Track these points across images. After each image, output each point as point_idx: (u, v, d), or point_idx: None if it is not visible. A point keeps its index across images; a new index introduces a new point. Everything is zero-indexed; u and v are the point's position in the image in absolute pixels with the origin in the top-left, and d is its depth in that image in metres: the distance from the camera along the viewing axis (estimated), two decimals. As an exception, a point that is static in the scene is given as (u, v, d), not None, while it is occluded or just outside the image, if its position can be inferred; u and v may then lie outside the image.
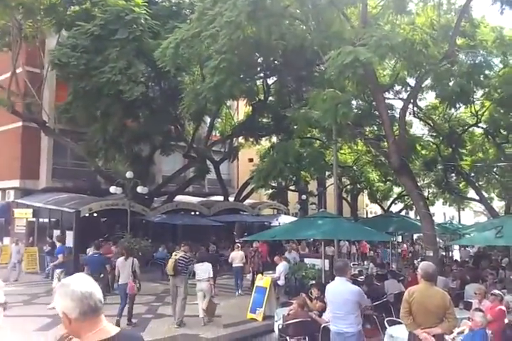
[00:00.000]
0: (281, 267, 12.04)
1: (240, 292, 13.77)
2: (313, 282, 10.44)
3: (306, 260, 12.95)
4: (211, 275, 10.12)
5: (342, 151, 26.16)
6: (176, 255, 9.99)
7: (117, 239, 17.63)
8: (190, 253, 10.86)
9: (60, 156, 22.80)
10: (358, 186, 30.50)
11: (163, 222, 20.27)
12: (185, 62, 15.15)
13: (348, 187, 31.37)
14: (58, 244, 12.73)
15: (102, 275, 9.79)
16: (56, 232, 20.04)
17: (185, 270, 9.92)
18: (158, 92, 17.98)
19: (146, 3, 14.67)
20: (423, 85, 18.19)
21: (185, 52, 11.02)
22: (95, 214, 20.73)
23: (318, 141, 21.09)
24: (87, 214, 19.63)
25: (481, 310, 6.39)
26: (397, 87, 18.41)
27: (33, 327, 9.48)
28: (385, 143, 13.12)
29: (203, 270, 9.99)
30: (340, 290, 5.31)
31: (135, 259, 10.05)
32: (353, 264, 16.37)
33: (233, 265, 14.53)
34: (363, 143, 21.32)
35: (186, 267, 9.92)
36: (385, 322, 7.31)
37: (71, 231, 19.25)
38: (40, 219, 21.46)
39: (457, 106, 11.53)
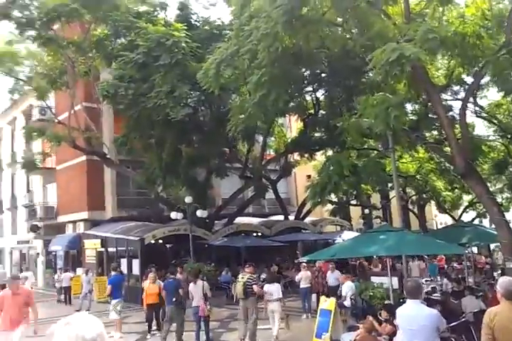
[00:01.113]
0: (347, 287, 11.32)
1: (308, 315, 13.22)
2: (386, 303, 9.67)
3: (373, 278, 12.08)
4: (281, 296, 10.20)
5: (403, 160, 24.93)
6: (242, 277, 10.14)
7: (182, 264, 17.64)
8: (255, 274, 10.85)
9: (123, 186, 23.54)
10: (424, 196, 28.80)
11: (225, 245, 20.08)
12: (233, 81, 15.22)
13: (414, 197, 29.72)
14: (113, 273, 12.79)
15: (174, 299, 10.22)
16: (123, 261, 20.55)
17: (254, 291, 9.97)
18: (209, 115, 18.11)
19: (185, 28, 14.93)
20: (482, 82, 16.98)
21: (231, 73, 10.95)
22: (160, 241, 20.99)
23: (375, 152, 20.19)
24: (152, 241, 19.92)
25: None
26: (455, 88, 17.32)
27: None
28: (448, 148, 12.16)
29: (273, 290, 10.12)
30: (416, 316, 4.62)
31: (205, 282, 10.40)
32: (426, 280, 15.13)
33: (300, 286, 14.12)
34: (424, 150, 20.12)
35: (253, 289, 9.97)
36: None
37: (137, 259, 19.63)
38: (109, 249, 22.07)
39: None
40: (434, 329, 4.57)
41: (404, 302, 7.05)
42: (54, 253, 26.14)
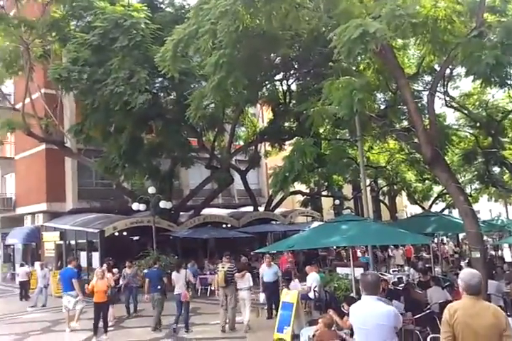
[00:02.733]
0: (311, 278, 10.97)
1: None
2: (349, 295, 9.34)
3: (339, 269, 11.75)
4: (251, 284, 10.77)
5: (373, 151, 24.82)
6: (223, 267, 10.80)
7: (143, 257, 17.02)
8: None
9: (85, 177, 22.62)
10: (395, 187, 28.89)
11: (190, 236, 19.48)
12: (199, 67, 14.46)
13: (385, 188, 29.78)
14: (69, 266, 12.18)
15: (159, 287, 10.95)
16: (83, 254, 19.75)
17: (233, 280, 10.63)
18: (173, 103, 17.35)
19: (146, 8, 14.09)
20: (455, 73, 16.76)
21: (200, 59, 10.24)
22: (125, 233, 20.27)
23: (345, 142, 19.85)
24: (116, 234, 19.20)
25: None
26: (427, 78, 17.09)
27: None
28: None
29: (244, 279, 10.66)
30: (371, 314, 4.13)
31: (187, 270, 11.21)
32: (393, 271, 14.99)
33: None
34: (394, 141, 19.94)
35: (233, 277, 10.65)
36: (429, 339, 6.06)
37: (97, 252, 18.88)
38: (68, 242, 21.21)
39: (493, 85, 10.20)
40: (390, 328, 4.10)
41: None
42: (12, 246, 25.05)
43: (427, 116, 11.90)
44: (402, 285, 11.02)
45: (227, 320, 10.65)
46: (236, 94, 11.72)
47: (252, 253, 17.29)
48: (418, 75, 14.89)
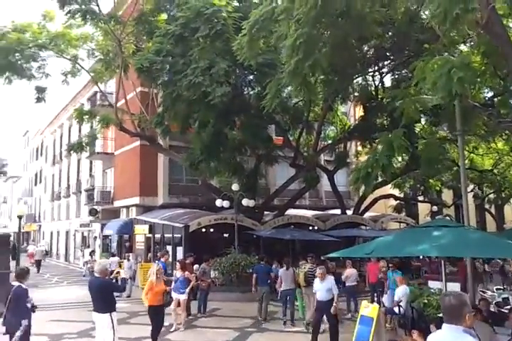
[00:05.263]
0: (400, 291, 9.66)
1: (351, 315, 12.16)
2: (439, 315, 7.92)
3: (431, 283, 10.20)
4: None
5: (478, 152, 22.10)
6: (304, 267, 11.10)
7: (223, 254, 16.68)
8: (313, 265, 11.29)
9: (176, 173, 23.09)
10: (503, 195, 25.50)
11: (272, 236, 18.78)
12: (279, 57, 13.68)
13: (491, 196, 26.48)
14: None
15: (268, 281, 11.84)
16: (169, 248, 20.01)
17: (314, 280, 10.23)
18: (256, 97, 16.77)
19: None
20: None
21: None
22: (211, 230, 20.22)
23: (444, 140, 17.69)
24: (203, 230, 19.22)
25: None
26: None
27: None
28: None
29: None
30: None
31: (294, 268, 11.65)
32: (497, 289, 12.85)
33: (346, 284, 13.12)
34: (503, 141, 17.29)
35: (314, 278, 10.17)
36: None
37: (181, 247, 18.99)
38: (156, 235, 21.72)
39: None
40: None
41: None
42: (110, 237, 26.43)
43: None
44: (509, 307, 9.23)
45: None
46: (321, 84, 10.73)
47: (322, 258, 16.00)
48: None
